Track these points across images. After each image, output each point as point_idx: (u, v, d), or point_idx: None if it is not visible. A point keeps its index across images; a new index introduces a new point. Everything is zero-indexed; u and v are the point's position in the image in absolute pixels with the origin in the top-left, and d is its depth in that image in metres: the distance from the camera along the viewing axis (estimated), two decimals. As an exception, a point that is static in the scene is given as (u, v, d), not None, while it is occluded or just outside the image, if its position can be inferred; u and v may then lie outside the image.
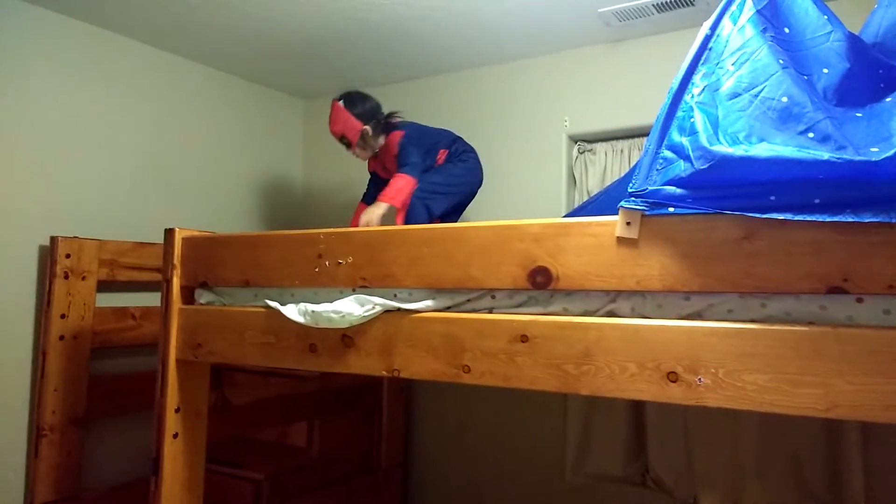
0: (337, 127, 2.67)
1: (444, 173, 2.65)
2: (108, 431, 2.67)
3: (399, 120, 2.76)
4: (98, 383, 2.57)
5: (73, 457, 2.47)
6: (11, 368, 2.44)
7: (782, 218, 1.14)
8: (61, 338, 2.45)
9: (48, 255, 2.47)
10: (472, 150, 2.77)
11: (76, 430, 2.48)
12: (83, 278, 2.52)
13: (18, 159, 2.48)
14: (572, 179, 2.99)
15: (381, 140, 2.71)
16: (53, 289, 2.44)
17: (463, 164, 2.70)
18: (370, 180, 2.90)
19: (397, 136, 2.67)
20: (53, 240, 2.46)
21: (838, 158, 1.07)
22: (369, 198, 2.82)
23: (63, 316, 2.46)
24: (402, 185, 2.50)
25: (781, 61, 1.25)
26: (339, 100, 2.67)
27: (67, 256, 2.47)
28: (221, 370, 3.00)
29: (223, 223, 3.26)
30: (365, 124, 2.65)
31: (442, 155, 2.72)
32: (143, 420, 2.53)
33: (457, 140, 2.77)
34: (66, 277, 2.47)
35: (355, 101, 2.67)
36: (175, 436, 1.98)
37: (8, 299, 2.44)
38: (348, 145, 2.70)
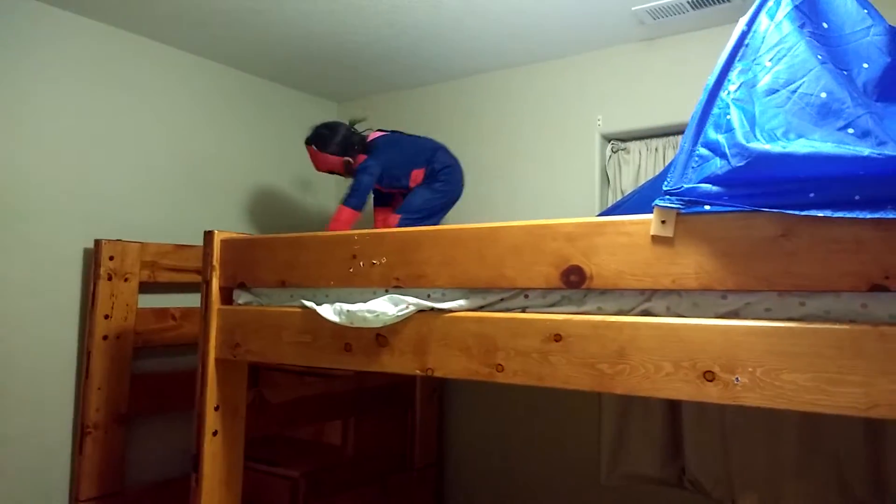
0: (322, 167, 2.84)
1: (423, 196, 2.70)
2: (150, 429, 2.74)
3: (378, 134, 2.86)
4: (140, 382, 2.63)
5: (116, 454, 2.54)
6: (57, 367, 2.51)
7: (822, 215, 1.13)
8: (105, 338, 2.52)
9: (92, 258, 2.55)
10: (452, 164, 2.80)
11: (119, 428, 2.55)
12: (126, 280, 2.59)
13: (64, 165, 2.56)
14: (606, 179, 2.97)
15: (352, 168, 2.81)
16: (97, 290, 2.51)
17: (441, 183, 2.74)
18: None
19: (361, 159, 2.78)
20: (97, 242, 2.54)
21: (879, 154, 1.05)
22: (379, 201, 2.98)
23: (107, 316, 2.53)
24: (339, 217, 2.68)
25: (820, 56, 1.23)
26: (311, 144, 2.79)
27: (111, 259, 2.54)
28: (259, 370, 3.05)
29: (260, 225, 3.32)
30: (344, 156, 2.77)
31: (418, 174, 2.77)
32: (183, 418, 2.60)
33: (436, 154, 2.79)
34: (110, 279, 2.54)
35: (326, 140, 2.77)
36: (214, 433, 2.03)
37: (54, 300, 2.52)
38: (341, 175, 2.86)
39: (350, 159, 2.78)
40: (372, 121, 3.61)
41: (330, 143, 2.76)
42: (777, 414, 2.30)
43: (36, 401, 2.45)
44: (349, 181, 2.80)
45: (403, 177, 2.77)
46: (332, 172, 2.87)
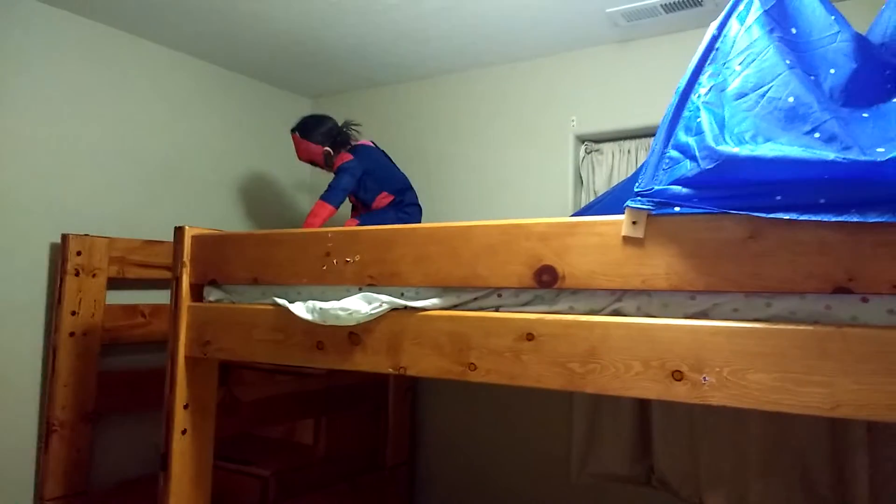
0: (303, 156, 2.89)
1: (382, 220, 2.74)
2: (117, 427, 2.70)
3: (368, 143, 2.93)
4: (107, 380, 2.59)
5: (82, 452, 2.49)
6: (22, 364, 2.46)
7: (788, 218, 1.15)
8: (71, 334, 2.47)
9: (59, 253, 2.50)
10: (417, 206, 2.92)
11: (86, 426, 2.50)
12: (93, 276, 2.54)
13: (31, 158, 2.51)
14: (579, 179, 3.00)
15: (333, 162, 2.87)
16: (64, 286, 2.46)
17: (405, 215, 2.83)
18: None
19: (344, 157, 2.83)
20: (64, 237, 2.49)
21: (844, 159, 1.08)
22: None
23: (73, 313, 2.48)
24: (317, 211, 2.72)
25: (788, 61, 1.25)
26: (296, 131, 2.85)
27: (78, 254, 2.50)
28: (229, 368, 3.02)
29: (232, 222, 3.28)
30: (325, 146, 2.84)
31: (385, 199, 2.85)
32: (151, 417, 2.56)
33: (408, 191, 2.90)
34: (77, 275, 2.50)
35: (310, 128, 2.84)
36: (184, 432, 2.00)
37: (20, 295, 2.46)
38: (319, 167, 2.92)
39: (330, 150, 2.84)
40: (344, 117, 3.61)
41: (314, 132, 2.83)
42: (744, 414, 2.34)
43: (1, 397, 2.39)
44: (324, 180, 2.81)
45: (372, 192, 2.84)
46: (312, 163, 2.92)
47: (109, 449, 2.66)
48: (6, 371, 2.42)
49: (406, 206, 2.86)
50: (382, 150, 2.96)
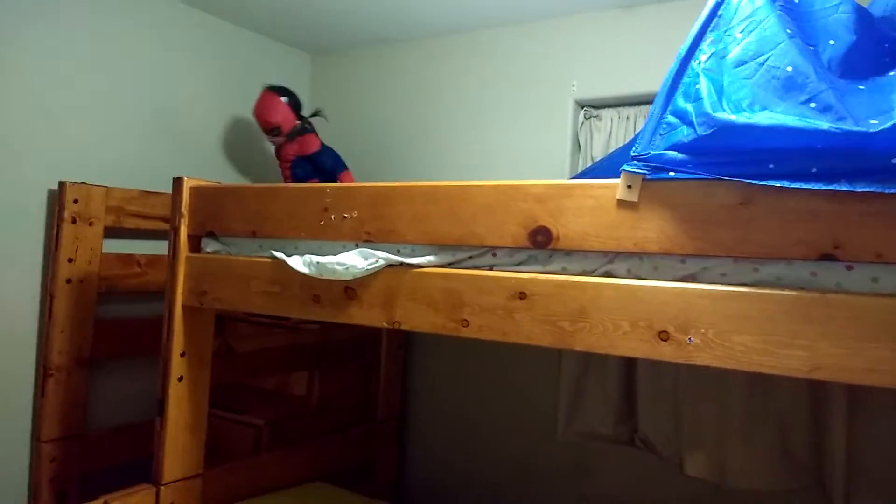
0: (275, 118, 2.88)
1: None
2: (113, 374, 2.74)
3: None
4: (104, 327, 2.61)
5: (78, 396, 2.54)
6: (20, 309, 2.49)
7: (779, 185, 1.17)
8: (68, 281, 2.49)
9: (56, 200, 2.50)
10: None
11: (82, 371, 2.54)
12: (90, 224, 2.55)
13: (29, 106, 2.49)
14: (577, 145, 3.00)
15: (293, 136, 2.94)
16: (61, 233, 2.47)
17: None
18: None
19: (317, 140, 2.96)
20: (61, 185, 2.49)
21: (837, 129, 1.10)
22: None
23: (70, 260, 2.50)
24: (345, 180, 2.94)
25: (789, 31, 1.26)
26: (275, 91, 2.89)
27: (75, 202, 2.50)
28: (225, 321, 3.05)
29: (228, 174, 3.28)
30: (297, 120, 2.92)
31: (346, 176, 3.00)
32: (146, 364, 2.60)
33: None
34: (74, 222, 2.50)
35: (291, 96, 2.92)
36: (180, 379, 2.04)
37: (17, 242, 2.47)
38: (276, 134, 2.92)
39: (299, 123, 2.92)
40: (345, 75, 3.58)
41: (291, 99, 2.91)
42: (727, 378, 2.40)
43: (-2, 342, 2.43)
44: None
45: (331, 175, 3.00)
46: (269, 126, 2.91)
47: (106, 394, 2.71)
48: (4, 316, 2.44)
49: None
50: None
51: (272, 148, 3.10)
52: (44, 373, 2.46)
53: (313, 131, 3.00)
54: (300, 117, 2.96)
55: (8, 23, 2.42)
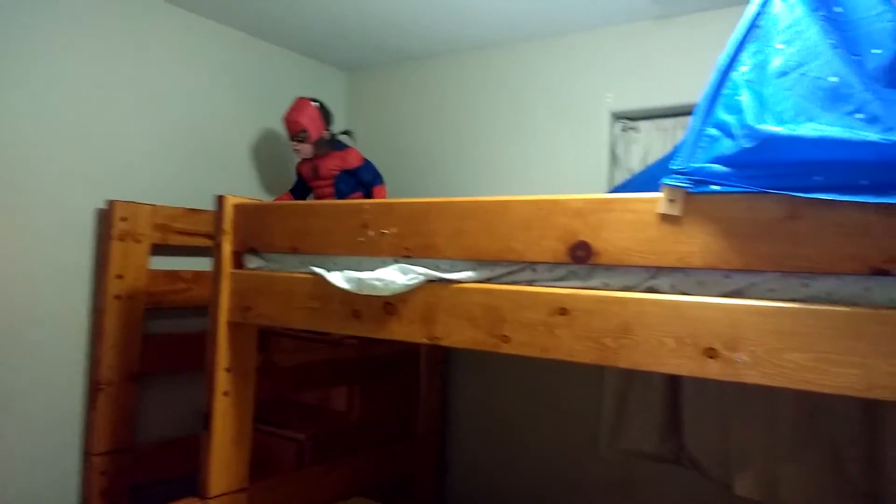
0: (304, 120, 2.91)
1: None
2: (160, 388, 2.80)
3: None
4: (151, 342, 2.68)
5: (127, 411, 2.60)
6: (70, 324, 2.56)
7: (827, 198, 1.15)
8: (117, 297, 2.56)
9: (105, 219, 2.58)
10: None
11: (131, 386, 2.60)
12: (138, 241, 2.63)
13: (80, 126, 2.58)
14: (613, 157, 2.98)
15: (324, 149, 2.97)
16: (110, 250, 2.55)
17: None
18: (297, 179, 3.15)
19: (360, 155, 3.01)
20: (111, 204, 2.57)
21: (886, 140, 1.07)
22: (297, 193, 3.13)
23: (119, 276, 2.57)
24: (380, 195, 3.01)
25: (831, 40, 1.24)
26: (311, 100, 2.94)
27: (123, 220, 2.58)
28: (268, 336, 3.10)
29: (268, 192, 3.34)
30: (324, 129, 2.96)
31: (380, 191, 3.04)
32: (192, 378, 2.65)
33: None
34: (122, 240, 2.58)
35: (320, 103, 2.98)
36: (225, 393, 2.08)
37: (68, 259, 2.55)
38: (302, 139, 2.92)
39: (327, 133, 2.97)
40: (379, 91, 3.62)
41: (326, 110, 2.99)
42: (775, 396, 2.34)
43: (50, 357, 2.50)
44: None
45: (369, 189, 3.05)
46: (296, 128, 2.92)
47: (153, 408, 2.77)
48: (55, 331, 2.52)
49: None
50: None
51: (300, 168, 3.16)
52: (94, 387, 2.53)
53: (353, 147, 3.05)
54: (329, 129, 2.99)
55: (56, 45, 2.51)
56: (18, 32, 2.41)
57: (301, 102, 2.95)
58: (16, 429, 2.42)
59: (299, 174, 3.12)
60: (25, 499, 2.43)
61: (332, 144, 3.01)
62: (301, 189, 3.12)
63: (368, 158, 3.10)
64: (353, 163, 2.99)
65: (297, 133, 2.91)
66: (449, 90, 3.41)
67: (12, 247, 2.41)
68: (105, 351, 2.53)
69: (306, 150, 2.95)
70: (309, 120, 2.91)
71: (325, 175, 2.99)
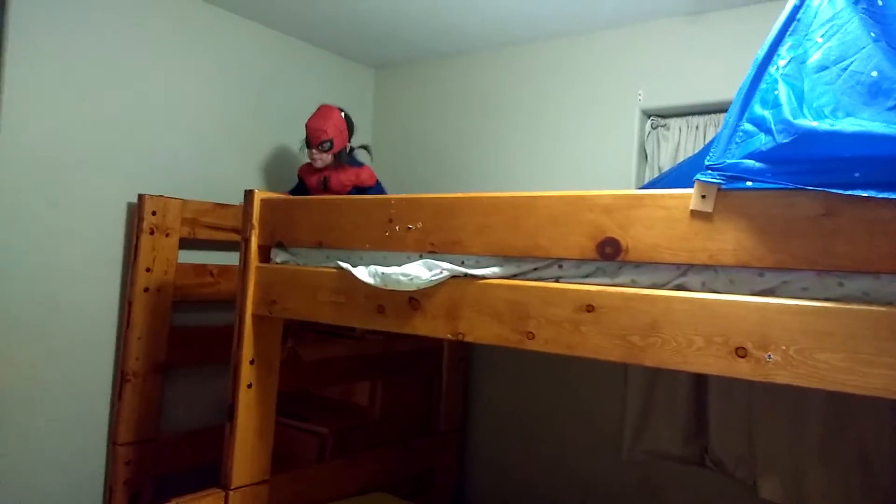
0: (331, 130, 2.80)
1: None
2: (186, 380, 2.83)
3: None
4: (177, 334, 2.71)
5: (153, 401, 2.63)
6: (99, 316, 2.60)
7: (866, 195, 1.12)
8: (146, 290, 2.60)
9: (136, 213, 2.61)
10: None
11: (157, 377, 2.64)
12: (167, 235, 2.66)
13: (113, 121, 2.62)
14: (643, 155, 2.95)
15: (341, 162, 2.89)
16: (140, 243, 2.58)
17: None
18: (299, 184, 3.04)
19: (372, 175, 2.94)
20: (141, 197, 2.60)
21: (930, 135, 1.04)
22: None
23: (148, 269, 2.60)
24: None
25: (873, 34, 1.20)
26: (340, 110, 2.88)
27: (153, 214, 2.61)
28: (291, 330, 3.12)
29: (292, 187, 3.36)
30: (347, 141, 2.90)
31: None
32: (217, 371, 2.68)
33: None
34: (152, 233, 2.61)
35: (350, 120, 2.92)
36: (249, 386, 2.09)
37: (98, 252, 2.59)
38: (325, 149, 2.81)
39: (349, 146, 2.93)
40: (408, 88, 3.62)
41: (351, 124, 2.92)
42: (803, 398, 2.29)
43: (78, 347, 2.54)
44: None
45: None
46: (321, 136, 2.79)
47: (178, 400, 2.80)
48: (85, 323, 2.56)
49: None
50: None
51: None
52: (121, 378, 2.57)
53: (367, 165, 3.00)
54: (350, 141, 2.92)
55: (88, 43, 2.55)
56: (58, 29, 2.45)
57: (327, 110, 2.84)
58: (44, 417, 2.46)
59: (301, 180, 3.00)
60: (52, 486, 2.48)
61: (350, 159, 2.94)
62: (301, 195, 2.95)
63: (395, 155, 3.09)
64: (366, 181, 2.92)
65: (321, 142, 2.79)
66: (477, 87, 3.40)
67: (48, 240, 2.46)
68: (133, 342, 2.57)
69: (326, 160, 2.84)
70: (335, 130, 2.80)
71: (335, 188, 2.87)
